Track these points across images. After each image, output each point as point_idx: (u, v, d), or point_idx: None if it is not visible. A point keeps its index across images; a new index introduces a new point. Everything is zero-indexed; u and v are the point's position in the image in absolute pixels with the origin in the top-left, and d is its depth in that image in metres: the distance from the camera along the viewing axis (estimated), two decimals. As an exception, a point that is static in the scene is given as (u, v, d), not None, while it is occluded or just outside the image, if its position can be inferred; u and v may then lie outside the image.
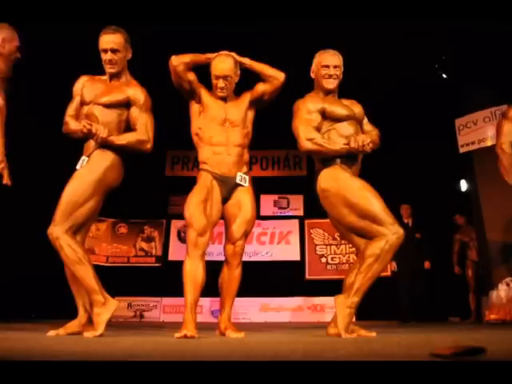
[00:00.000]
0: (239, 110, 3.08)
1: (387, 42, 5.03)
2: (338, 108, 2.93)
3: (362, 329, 2.80)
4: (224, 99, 3.08)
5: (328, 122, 2.92)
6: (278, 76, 3.12)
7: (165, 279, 7.43)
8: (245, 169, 3.08)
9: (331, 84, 2.98)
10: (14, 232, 6.10)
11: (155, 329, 3.97)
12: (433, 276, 6.19)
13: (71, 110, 3.01)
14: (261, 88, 3.15)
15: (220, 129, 3.00)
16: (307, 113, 2.89)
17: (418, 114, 6.28)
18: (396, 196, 6.14)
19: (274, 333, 3.48)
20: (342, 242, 7.74)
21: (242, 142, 3.05)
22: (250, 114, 3.16)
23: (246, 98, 3.14)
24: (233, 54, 3.13)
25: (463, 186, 7.60)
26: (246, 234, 3.06)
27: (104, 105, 2.90)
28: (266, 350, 1.78)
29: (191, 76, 3.05)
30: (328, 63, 2.97)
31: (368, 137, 2.85)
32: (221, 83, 3.02)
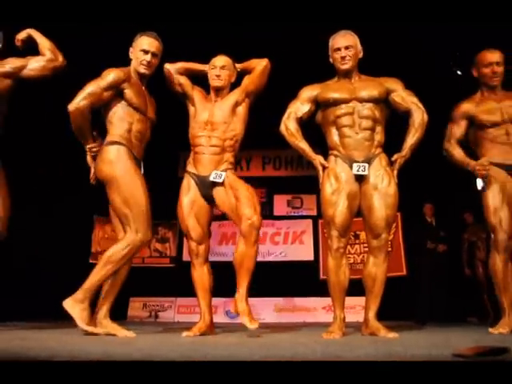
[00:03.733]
0: (223, 112, 3.09)
1: (403, 39, 4.99)
2: (330, 93, 2.95)
3: (384, 328, 2.75)
4: (214, 100, 3.12)
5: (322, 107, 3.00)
6: (261, 61, 3.16)
7: (179, 280, 7.44)
8: (223, 167, 3.03)
9: (345, 65, 2.95)
10: (41, 232, 6.22)
11: (171, 329, 3.98)
12: (450, 276, 6.11)
13: None
14: (246, 80, 3.18)
15: (201, 131, 3.06)
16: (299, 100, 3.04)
17: (434, 111, 6.22)
18: (417, 195, 6.08)
19: (291, 333, 3.47)
20: (356, 241, 7.69)
21: (221, 144, 3.04)
22: (241, 111, 3.13)
23: (234, 95, 3.15)
24: None
25: (479, 184, 7.48)
26: (258, 211, 2.92)
27: None
28: (284, 350, 1.77)
29: (182, 79, 3.17)
30: (339, 45, 2.95)
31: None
32: (217, 71, 3.09)
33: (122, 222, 2.81)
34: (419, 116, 2.94)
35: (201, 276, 3.06)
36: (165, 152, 6.82)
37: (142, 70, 2.96)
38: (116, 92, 2.88)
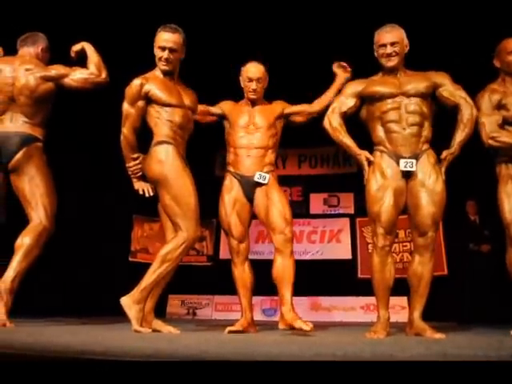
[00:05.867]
0: (266, 116, 3.17)
1: (441, 37, 4.87)
2: (376, 87, 2.89)
3: (430, 329, 2.68)
4: (252, 104, 3.20)
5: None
6: (312, 113, 3.22)
7: (216, 278, 7.50)
8: (266, 169, 3.11)
9: (391, 62, 2.87)
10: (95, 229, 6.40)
11: (211, 326, 4.01)
12: (494, 275, 5.91)
13: None
14: (296, 117, 3.25)
15: (243, 131, 3.13)
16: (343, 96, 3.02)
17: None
18: (459, 191, 5.89)
19: (333, 332, 3.44)
20: (395, 240, 7.55)
21: (264, 144, 3.13)
22: (279, 123, 3.24)
23: (278, 108, 3.23)
24: None
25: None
26: (289, 221, 3.04)
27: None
28: (334, 349, 1.75)
29: (211, 117, 3.27)
30: (384, 42, 2.86)
31: None
32: (254, 85, 3.14)
33: (172, 220, 2.84)
34: (468, 111, 2.82)
35: (242, 274, 3.10)
36: (201, 151, 6.86)
37: (162, 67, 2.94)
38: (145, 99, 2.87)
